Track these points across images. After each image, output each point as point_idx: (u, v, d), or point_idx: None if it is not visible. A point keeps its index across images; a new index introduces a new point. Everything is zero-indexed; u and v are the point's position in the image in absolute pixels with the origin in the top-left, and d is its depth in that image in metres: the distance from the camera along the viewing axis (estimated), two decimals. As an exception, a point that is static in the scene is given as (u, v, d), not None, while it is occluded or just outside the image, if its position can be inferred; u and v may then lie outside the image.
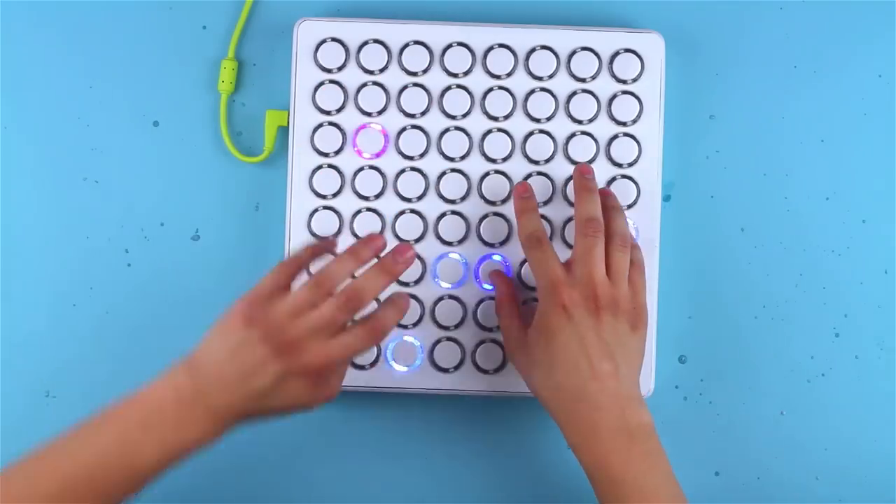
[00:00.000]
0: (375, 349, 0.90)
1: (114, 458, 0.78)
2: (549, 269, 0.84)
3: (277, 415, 0.81)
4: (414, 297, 0.91)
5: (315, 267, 0.83)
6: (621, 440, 0.80)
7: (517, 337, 0.86)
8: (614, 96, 0.92)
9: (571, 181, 0.90)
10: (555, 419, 0.84)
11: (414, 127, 0.92)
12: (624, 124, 0.92)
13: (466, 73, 0.92)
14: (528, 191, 0.88)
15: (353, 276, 0.82)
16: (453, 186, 0.92)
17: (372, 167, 0.92)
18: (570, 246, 0.91)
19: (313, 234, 0.91)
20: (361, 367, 0.90)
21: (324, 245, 0.85)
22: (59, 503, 0.77)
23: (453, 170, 0.92)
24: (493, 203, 0.92)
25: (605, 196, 0.88)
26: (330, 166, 0.92)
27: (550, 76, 0.92)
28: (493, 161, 0.92)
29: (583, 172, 0.88)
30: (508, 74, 0.92)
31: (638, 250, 0.88)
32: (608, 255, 0.85)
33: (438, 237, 0.92)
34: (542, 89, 0.92)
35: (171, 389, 0.79)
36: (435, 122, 0.92)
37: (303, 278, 0.81)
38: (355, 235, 0.91)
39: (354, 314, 0.80)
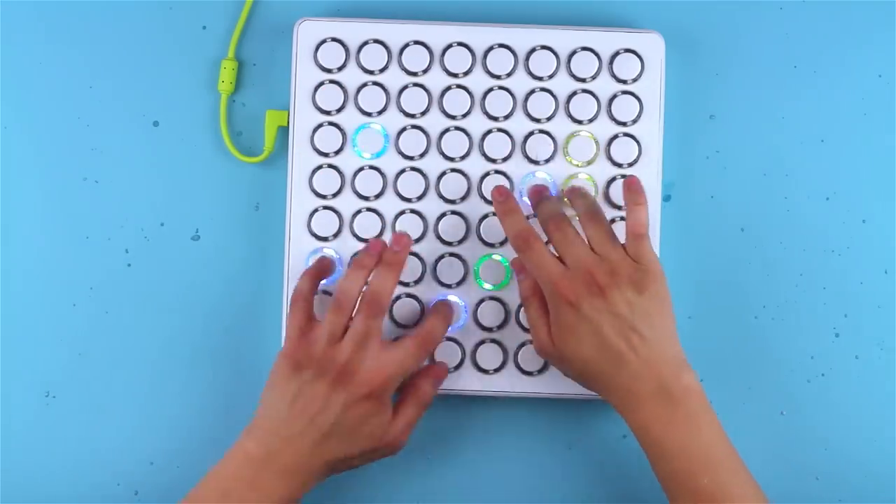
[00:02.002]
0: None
1: None
2: (543, 267, 0.84)
3: (356, 457, 0.83)
4: (414, 297, 0.91)
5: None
6: (662, 405, 0.80)
7: (545, 337, 0.85)
8: (614, 96, 0.92)
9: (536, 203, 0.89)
10: (603, 398, 0.84)
11: (414, 127, 0.92)
12: (624, 124, 0.92)
13: (466, 73, 0.92)
14: (504, 193, 0.88)
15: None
16: (453, 186, 0.92)
17: (372, 167, 0.92)
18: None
19: (312, 235, 0.91)
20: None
21: (317, 266, 0.88)
22: None
23: (453, 170, 0.92)
24: (492, 203, 0.91)
25: (567, 193, 0.89)
26: (330, 166, 0.92)
27: (550, 76, 0.92)
28: (493, 161, 0.92)
29: (531, 194, 0.89)
30: (508, 74, 0.92)
31: (638, 207, 0.85)
32: (585, 232, 0.84)
33: (438, 237, 0.92)
34: (542, 89, 0.92)
35: (242, 459, 0.81)
36: (435, 122, 0.92)
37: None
38: (355, 235, 0.91)
39: (383, 315, 0.83)
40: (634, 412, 0.81)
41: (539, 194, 0.89)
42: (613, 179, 0.91)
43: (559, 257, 0.84)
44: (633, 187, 0.86)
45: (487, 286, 0.91)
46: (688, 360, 0.93)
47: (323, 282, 0.89)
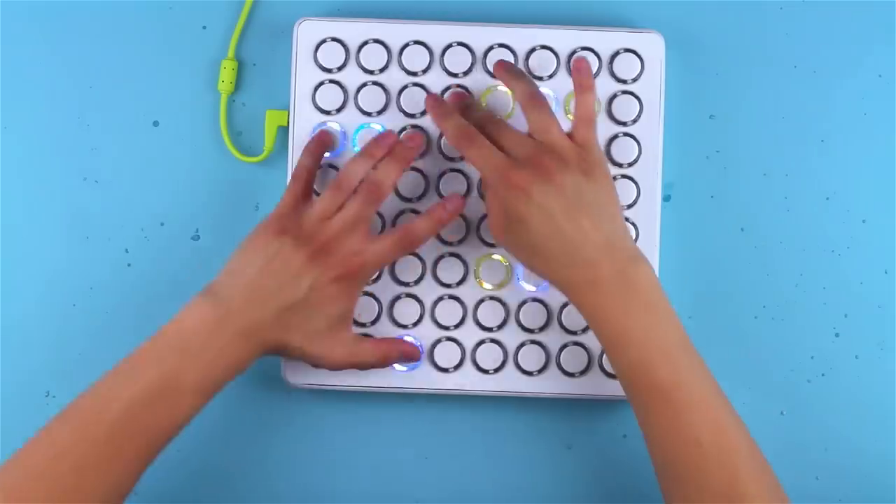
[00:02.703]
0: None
1: (155, 391, 0.78)
2: (489, 159, 0.83)
3: (308, 337, 0.82)
4: (414, 297, 0.91)
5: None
6: (620, 292, 0.79)
7: (498, 224, 0.84)
8: (614, 96, 0.92)
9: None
10: (554, 286, 0.84)
11: (414, 127, 0.92)
12: (624, 124, 0.92)
13: (466, 73, 0.92)
14: (436, 98, 0.88)
15: None
16: (453, 186, 0.92)
17: (372, 167, 0.92)
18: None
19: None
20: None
21: (319, 140, 0.88)
22: (107, 447, 0.76)
23: (453, 170, 0.92)
24: (493, 203, 0.92)
25: (499, 71, 0.88)
26: (330, 166, 0.92)
27: (550, 76, 0.92)
28: (493, 161, 0.92)
29: (443, 101, 0.89)
30: (508, 74, 0.92)
31: (586, 92, 0.85)
32: (528, 119, 0.84)
33: (438, 237, 0.91)
34: (542, 89, 0.92)
35: (202, 312, 0.80)
36: (435, 122, 0.92)
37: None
38: (355, 235, 0.91)
39: (378, 204, 0.84)
40: (592, 300, 0.80)
41: (461, 102, 0.89)
42: (614, 179, 0.91)
43: (503, 147, 0.83)
44: (581, 70, 0.85)
45: (487, 286, 0.91)
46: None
47: (326, 154, 0.90)
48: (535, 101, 0.84)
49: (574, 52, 0.91)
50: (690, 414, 0.78)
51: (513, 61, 0.91)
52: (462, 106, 0.89)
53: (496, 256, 0.91)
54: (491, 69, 0.91)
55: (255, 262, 0.81)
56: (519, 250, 0.84)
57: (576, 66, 0.86)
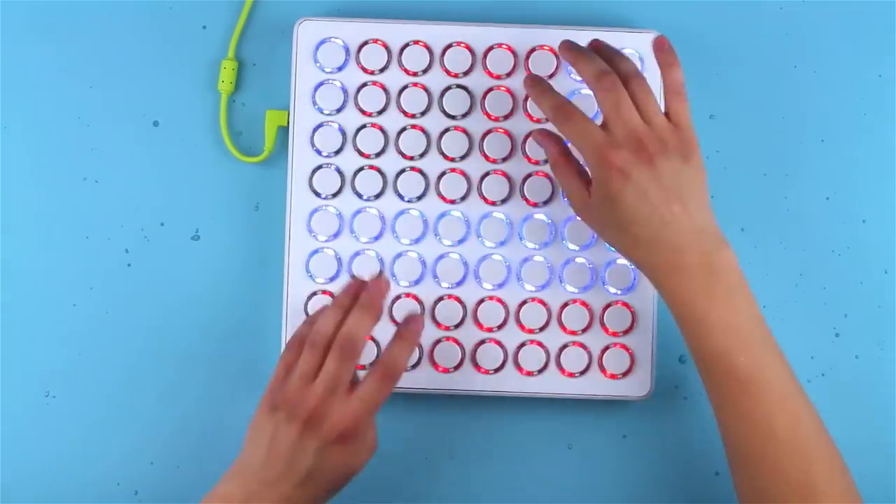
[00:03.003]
0: (375, 350, 0.90)
1: None
2: (588, 136, 0.81)
3: (337, 487, 0.82)
4: (414, 296, 0.91)
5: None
6: (704, 279, 0.79)
7: (581, 197, 0.83)
8: (614, 96, 0.92)
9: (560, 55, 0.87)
10: (638, 268, 0.83)
11: (414, 127, 0.92)
12: (624, 124, 0.92)
13: (466, 73, 0.92)
14: (535, 76, 0.86)
15: None
16: (453, 186, 0.92)
17: (372, 167, 0.92)
18: (570, 246, 0.91)
19: (312, 235, 0.91)
20: (362, 368, 0.90)
21: (319, 312, 0.85)
22: None
23: (453, 170, 0.92)
24: (493, 203, 0.92)
25: (598, 48, 0.86)
26: (330, 166, 0.92)
27: (550, 76, 0.92)
28: (493, 161, 0.92)
29: (566, 46, 0.85)
30: (508, 74, 0.92)
31: (672, 68, 0.83)
32: (633, 98, 0.82)
33: (438, 237, 0.92)
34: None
35: (223, 500, 0.80)
36: (435, 122, 0.92)
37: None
38: (355, 236, 0.91)
39: (355, 360, 0.80)
40: (676, 284, 0.80)
41: (574, 51, 0.85)
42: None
43: (602, 124, 0.82)
44: (663, 46, 0.84)
45: (487, 285, 0.91)
46: (688, 360, 0.93)
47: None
48: (637, 80, 0.82)
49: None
50: (767, 405, 0.78)
51: (512, 61, 0.91)
52: (578, 56, 0.84)
53: (496, 257, 0.91)
54: (491, 68, 0.91)
55: (262, 446, 0.80)
56: (604, 227, 0.83)
57: (657, 46, 0.84)
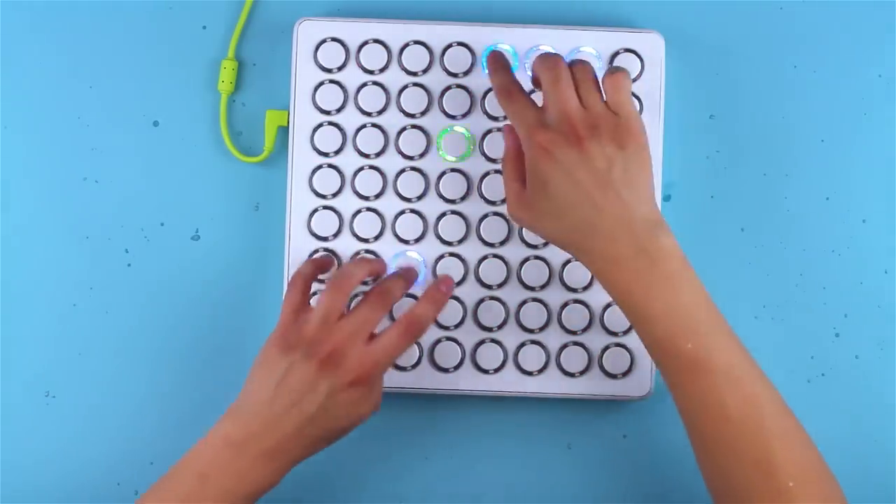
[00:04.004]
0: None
1: None
2: (524, 117, 0.81)
3: (335, 436, 0.82)
4: (413, 297, 0.91)
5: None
6: (641, 265, 0.78)
7: (517, 194, 0.83)
8: (614, 96, 0.92)
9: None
10: (575, 257, 0.83)
11: (414, 127, 0.92)
12: (624, 124, 0.92)
13: (466, 73, 0.92)
14: (498, 54, 0.86)
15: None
16: (453, 187, 0.92)
17: (372, 167, 0.92)
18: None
19: (312, 235, 0.91)
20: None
21: (322, 258, 0.88)
22: None
23: (453, 170, 0.92)
24: (493, 203, 0.92)
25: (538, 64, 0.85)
26: (330, 166, 0.92)
27: (550, 76, 0.92)
28: (493, 161, 0.92)
29: (491, 59, 0.86)
30: (508, 74, 0.92)
31: (618, 71, 0.82)
32: (575, 82, 0.81)
33: (438, 237, 0.92)
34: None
35: (221, 440, 0.80)
36: (435, 122, 0.92)
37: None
38: (355, 235, 0.91)
39: (386, 313, 0.82)
40: (615, 276, 0.79)
41: (547, 60, 0.84)
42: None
43: (542, 107, 0.82)
44: (614, 68, 0.83)
45: (487, 285, 0.91)
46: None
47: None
48: (582, 66, 0.82)
49: (574, 52, 0.91)
50: (718, 388, 0.77)
51: (512, 61, 0.91)
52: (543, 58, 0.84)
53: (496, 257, 0.91)
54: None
55: (269, 383, 0.80)
56: (541, 219, 0.81)
57: (609, 71, 0.83)
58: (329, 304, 0.82)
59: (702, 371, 0.77)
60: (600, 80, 0.82)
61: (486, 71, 0.88)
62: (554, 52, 0.85)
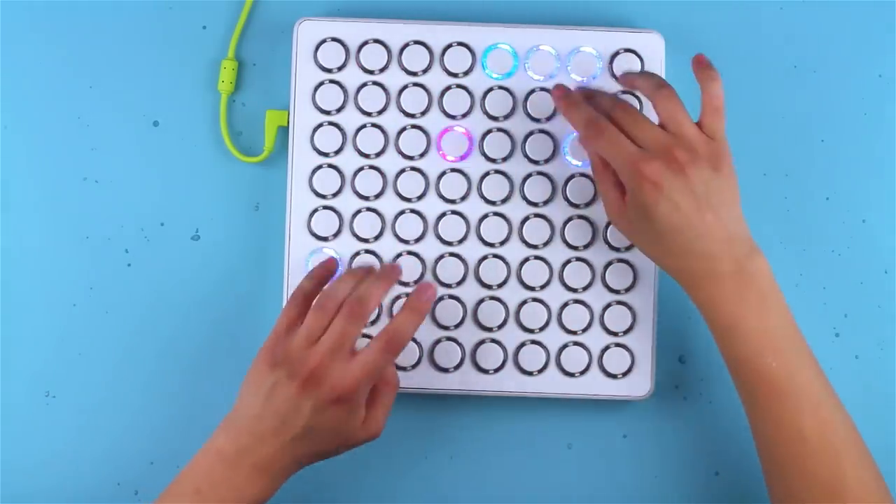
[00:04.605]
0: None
1: None
2: (621, 150, 0.82)
3: (329, 453, 0.82)
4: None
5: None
6: (736, 285, 0.80)
7: (618, 207, 0.84)
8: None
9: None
10: (670, 274, 0.84)
11: (414, 127, 0.92)
12: (624, 124, 0.92)
13: (466, 73, 0.92)
14: (564, 88, 0.88)
15: None
16: (453, 186, 0.92)
17: (372, 167, 0.92)
18: (570, 246, 0.91)
19: (312, 235, 0.91)
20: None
21: (324, 267, 0.87)
22: None
23: (453, 170, 0.92)
24: (493, 203, 0.92)
25: (591, 95, 0.87)
26: (330, 166, 0.92)
27: (550, 76, 0.92)
28: (494, 161, 0.92)
29: (559, 94, 0.87)
30: (508, 74, 0.92)
31: (711, 81, 0.84)
32: (656, 110, 0.83)
33: (438, 237, 0.92)
34: (543, 89, 0.92)
35: (215, 455, 0.81)
36: (435, 122, 0.92)
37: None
38: (355, 235, 0.91)
39: (363, 323, 0.81)
40: (708, 292, 0.81)
41: (586, 92, 0.87)
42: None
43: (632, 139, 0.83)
44: (702, 63, 0.85)
45: (487, 285, 0.91)
46: (688, 360, 0.93)
47: None
48: (663, 91, 0.84)
49: (574, 52, 0.91)
50: (796, 408, 0.79)
51: (512, 62, 0.91)
52: (588, 94, 0.87)
53: (496, 256, 0.91)
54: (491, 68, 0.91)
55: (257, 399, 0.81)
56: (639, 237, 0.84)
57: (696, 61, 0.85)
58: (312, 323, 0.81)
59: (783, 391, 0.79)
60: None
61: (558, 107, 0.87)
62: (599, 92, 0.87)
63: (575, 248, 0.91)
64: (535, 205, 0.91)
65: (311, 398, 0.80)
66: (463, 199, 0.92)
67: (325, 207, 0.91)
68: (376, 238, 0.91)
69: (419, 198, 0.92)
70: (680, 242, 0.81)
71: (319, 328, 0.81)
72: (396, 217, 0.92)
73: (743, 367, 0.81)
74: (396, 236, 0.91)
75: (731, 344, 0.81)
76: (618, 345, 0.91)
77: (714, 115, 0.84)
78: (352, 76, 0.92)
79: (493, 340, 0.91)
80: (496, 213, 0.91)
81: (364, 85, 0.92)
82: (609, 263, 0.91)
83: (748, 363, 0.80)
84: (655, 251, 0.84)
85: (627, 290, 0.91)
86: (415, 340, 0.91)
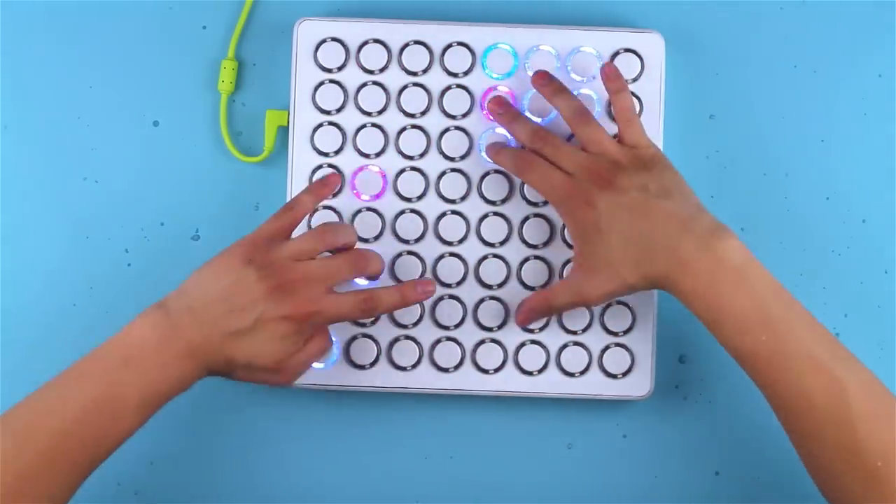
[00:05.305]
0: (375, 349, 0.90)
1: (100, 401, 0.78)
2: (550, 180, 0.84)
3: (243, 369, 0.81)
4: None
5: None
6: (707, 265, 0.79)
7: (575, 285, 0.84)
8: (614, 96, 0.92)
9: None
10: (662, 289, 0.83)
11: (414, 127, 0.92)
12: (624, 124, 0.92)
13: (466, 73, 0.92)
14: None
15: None
16: (453, 186, 0.92)
17: (372, 167, 0.92)
18: (570, 246, 0.91)
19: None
20: (361, 367, 0.90)
21: (325, 183, 0.87)
22: (50, 460, 0.76)
23: (453, 170, 0.92)
24: (493, 203, 0.92)
25: (540, 86, 0.88)
26: (330, 166, 0.92)
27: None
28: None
29: (495, 108, 0.88)
30: (508, 74, 0.92)
31: (620, 95, 0.86)
32: (578, 135, 0.85)
33: (438, 237, 0.92)
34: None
35: (150, 327, 0.79)
36: (435, 122, 0.92)
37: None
38: (355, 235, 0.91)
39: (356, 275, 0.83)
40: (685, 282, 0.80)
41: (506, 115, 0.88)
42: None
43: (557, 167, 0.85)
44: (611, 74, 0.86)
45: (487, 285, 0.91)
46: (688, 360, 0.93)
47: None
48: (581, 118, 0.85)
49: (574, 52, 0.91)
50: (800, 376, 0.78)
51: (512, 62, 0.91)
52: (511, 119, 0.88)
53: (496, 256, 0.91)
54: (489, 74, 0.91)
55: (214, 285, 0.80)
56: (608, 268, 0.83)
57: (605, 73, 0.86)
58: (304, 242, 0.82)
59: (781, 362, 0.78)
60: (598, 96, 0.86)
61: (488, 154, 0.90)
62: (517, 115, 0.88)
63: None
64: (535, 205, 0.91)
65: (269, 303, 0.79)
66: (463, 199, 0.92)
67: (325, 207, 0.91)
68: (376, 238, 0.91)
69: (419, 198, 0.92)
70: (643, 245, 0.81)
71: (310, 251, 0.82)
72: (396, 217, 0.92)
73: (735, 349, 0.80)
74: (396, 236, 0.91)
75: (718, 329, 0.80)
76: (618, 345, 0.91)
77: (628, 125, 0.85)
78: (352, 76, 0.92)
79: (493, 340, 0.91)
80: (496, 213, 0.91)
81: (364, 85, 0.92)
82: (609, 263, 0.91)
83: (741, 345, 0.79)
84: (629, 268, 0.82)
85: (627, 290, 0.91)
86: (415, 340, 0.91)
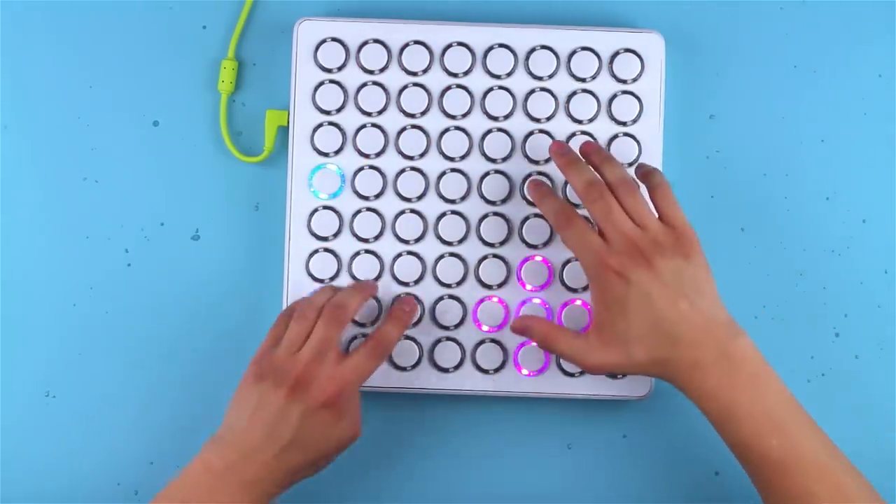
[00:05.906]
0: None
1: None
2: (587, 243, 0.83)
3: (318, 463, 0.83)
4: (414, 296, 0.91)
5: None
6: (723, 369, 0.80)
7: (587, 341, 0.83)
8: (614, 96, 0.92)
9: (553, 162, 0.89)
10: (660, 375, 0.82)
11: (414, 127, 0.92)
12: (624, 124, 0.92)
13: (466, 73, 0.92)
14: (538, 181, 0.89)
15: None
16: (453, 186, 0.92)
17: (372, 167, 0.92)
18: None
19: (312, 235, 0.91)
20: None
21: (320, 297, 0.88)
22: None
23: (453, 170, 0.92)
24: (493, 203, 0.92)
25: (587, 153, 0.86)
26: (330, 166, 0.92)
27: (550, 76, 0.92)
28: (493, 161, 0.92)
29: (558, 150, 0.86)
30: (508, 74, 0.92)
31: (654, 174, 0.85)
32: (622, 204, 0.83)
33: (438, 237, 0.92)
34: (542, 89, 0.92)
35: (202, 468, 0.81)
36: (435, 122, 0.92)
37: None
38: (355, 236, 0.91)
39: (343, 326, 0.84)
40: (697, 381, 0.80)
41: (566, 156, 0.86)
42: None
43: (599, 231, 0.83)
44: (641, 166, 0.86)
45: (487, 285, 0.91)
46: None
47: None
48: (625, 185, 0.84)
49: (574, 52, 0.91)
50: (805, 479, 0.79)
51: (513, 61, 0.91)
52: (569, 164, 0.86)
53: (496, 257, 0.91)
54: (491, 68, 0.91)
55: (244, 413, 0.82)
56: (615, 345, 0.82)
57: (642, 172, 0.85)
58: (293, 332, 0.84)
59: (790, 466, 0.79)
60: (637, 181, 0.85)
61: (530, 194, 0.89)
62: (580, 167, 0.85)
63: (575, 248, 0.91)
64: (535, 205, 0.91)
65: (299, 404, 0.81)
66: (463, 199, 0.92)
67: (325, 207, 0.91)
68: (376, 238, 0.91)
69: (419, 198, 0.92)
70: (658, 334, 0.81)
71: (301, 336, 0.83)
72: (396, 217, 0.92)
73: (745, 451, 0.81)
74: (396, 236, 0.91)
75: (729, 430, 0.81)
76: (618, 345, 0.91)
77: (668, 203, 0.84)
78: (352, 76, 0.92)
79: (493, 340, 0.91)
80: (496, 213, 0.91)
81: (364, 85, 0.92)
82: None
83: (750, 447, 0.80)
84: (643, 349, 0.81)
85: (627, 290, 0.91)
86: (415, 340, 0.91)
